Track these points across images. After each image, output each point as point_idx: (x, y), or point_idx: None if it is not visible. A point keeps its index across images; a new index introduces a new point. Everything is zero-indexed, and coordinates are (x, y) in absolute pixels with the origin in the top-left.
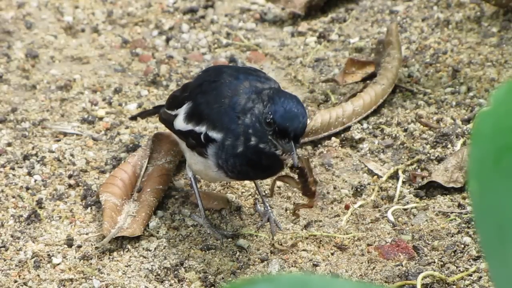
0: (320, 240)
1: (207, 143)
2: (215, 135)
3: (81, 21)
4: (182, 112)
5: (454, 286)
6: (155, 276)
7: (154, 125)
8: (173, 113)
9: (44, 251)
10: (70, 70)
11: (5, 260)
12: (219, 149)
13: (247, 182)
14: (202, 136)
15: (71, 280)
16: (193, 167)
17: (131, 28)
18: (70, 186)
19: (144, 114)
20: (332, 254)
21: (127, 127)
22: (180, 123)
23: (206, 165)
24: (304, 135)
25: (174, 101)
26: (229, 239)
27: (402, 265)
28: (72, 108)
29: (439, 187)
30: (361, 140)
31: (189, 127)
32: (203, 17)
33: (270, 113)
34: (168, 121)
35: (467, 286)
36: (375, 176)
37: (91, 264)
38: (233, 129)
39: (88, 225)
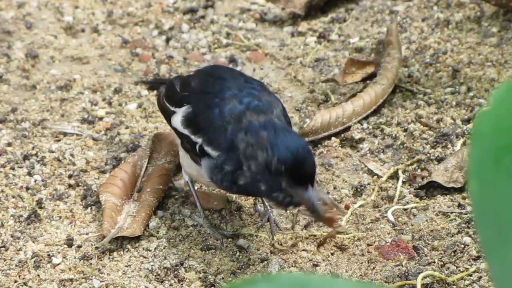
0: (320, 240)
1: (202, 155)
2: (211, 151)
3: (81, 21)
4: (180, 113)
5: (454, 286)
6: (155, 276)
7: (154, 125)
8: (172, 108)
9: (44, 251)
10: (70, 70)
11: (5, 260)
12: (215, 167)
13: None
14: (197, 147)
15: (71, 280)
16: (186, 168)
17: (131, 28)
18: (70, 186)
19: (147, 83)
20: (332, 254)
21: (127, 127)
22: (177, 123)
23: (198, 172)
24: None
25: (174, 96)
26: (229, 239)
27: (402, 265)
28: (72, 108)
29: (439, 187)
30: (361, 140)
31: (186, 132)
32: (203, 17)
33: (279, 162)
34: (166, 113)
35: (467, 286)
36: (375, 176)
37: (91, 264)
38: (234, 158)
39: (88, 225)
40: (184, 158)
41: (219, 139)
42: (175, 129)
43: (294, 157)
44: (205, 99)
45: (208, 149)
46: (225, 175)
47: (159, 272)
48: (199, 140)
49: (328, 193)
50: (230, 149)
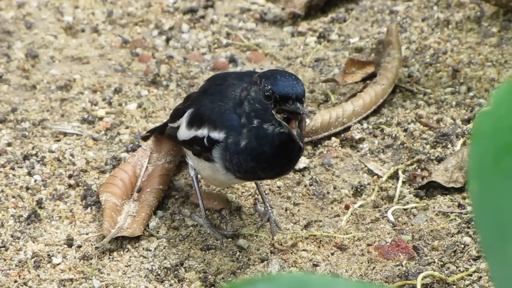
0: (320, 240)
1: (211, 146)
2: (217, 135)
3: (81, 21)
4: (184, 121)
5: (454, 286)
6: (155, 276)
7: (154, 125)
8: (176, 124)
9: (44, 251)
10: (70, 70)
11: (5, 260)
12: (223, 150)
13: (247, 182)
14: (205, 140)
15: (71, 280)
16: (202, 173)
17: (131, 28)
18: (70, 186)
19: (155, 130)
20: (332, 254)
21: (127, 127)
22: (183, 132)
23: (214, 169)
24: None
25: (177, 113)
26: (229, 239)
27: (402, 265)
28: (72, 108)
29: (439, 187)
30: (361, 140)
31: (192, 133)
32: (203, 17)
33: (266, 86)
34: (172, 135)
35: (467, 286)
36: (375, 176)
37: (91, 264)
38: (235, 125)
39: (88, 225)
40: (199, 164)
41: (223, 117)
42: (183, 142)
43: (280, 79)
44: (207, 92)
45: (214, 135)
46: (230, 152)
47: (159, 272)
48: (205, 132)
49: (328, 193)
50: (234, 123)
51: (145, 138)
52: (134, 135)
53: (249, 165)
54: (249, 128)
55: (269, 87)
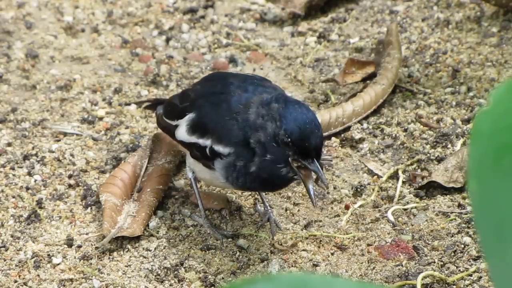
0: (320, 240)
1: (213, 157)
2: (222, 149)
3: (81, 21)
4: (184, 123)
5: (454, 286)
6: (155, 276)
7: (154, 125)
8: (173, 123)
9: (44, 251)
10: (70, 70)
11: (5, 260)
12: (229, 166)
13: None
14: (207, 150)
15: (71, 280)
16: (199, 174)
17: (131, 28)
18: (70, 186)
19: (144, 102)
20: (332, 254)
21: (127, 127)
22: (183, 134)
23: (212, 176)
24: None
25: (174, 110)
26: (229, 239)
27: (402, 265)
28: (72, 108)
29: (439, 187)
30: (361, 140)
31: (193, 139)
32: (203, 17)
33: (285, 134)
34: (168, 130)
35: (467, 286)
36: (375, 176)
37: (91, 264)
38: (245, 147)
39: (88, 225)
40: (196, 165)
41: (230, 133)
42: (181, 142)
43: (301, 130)
44: (210, 99)
45: (218, 148)
46: (239, 172)
47: (159, 272)
48: (208, 142)
49: (328, 193)
50: (243, 142)
51: (134, 103)
52: (134, 135)
53: (253, 185)
54: (262, 159)
55: (288, 137)
